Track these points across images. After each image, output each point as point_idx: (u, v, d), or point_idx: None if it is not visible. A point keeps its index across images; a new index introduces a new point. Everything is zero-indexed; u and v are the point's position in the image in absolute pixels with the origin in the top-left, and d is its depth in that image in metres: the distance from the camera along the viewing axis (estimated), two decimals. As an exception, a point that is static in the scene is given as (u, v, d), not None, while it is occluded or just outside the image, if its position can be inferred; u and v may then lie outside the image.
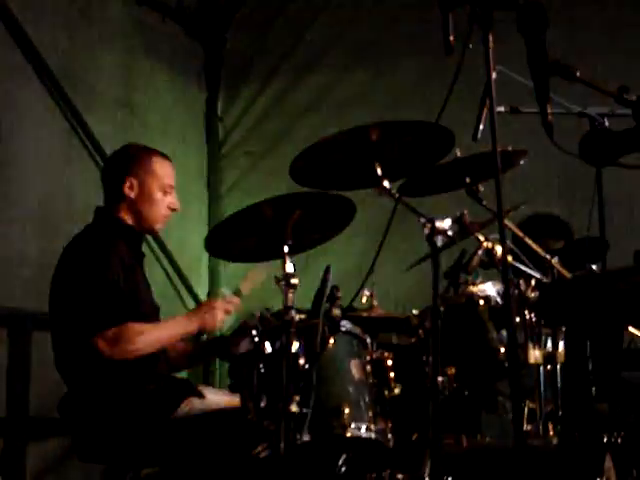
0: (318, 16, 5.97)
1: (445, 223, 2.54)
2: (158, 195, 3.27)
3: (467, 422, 2.88)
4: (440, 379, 2.74)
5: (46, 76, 4.69)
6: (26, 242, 4.49)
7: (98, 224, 3.28)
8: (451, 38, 2.17)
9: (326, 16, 5.95)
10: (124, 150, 3.37)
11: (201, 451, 2.92)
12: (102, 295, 3.00)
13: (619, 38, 5.24)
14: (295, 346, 2.64)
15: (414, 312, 3.01)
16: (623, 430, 2.81)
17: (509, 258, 2.75)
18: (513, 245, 3.02)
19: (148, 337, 3.04)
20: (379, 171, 2.72)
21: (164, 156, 3.36)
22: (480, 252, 3.00)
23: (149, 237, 4.49)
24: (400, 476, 2.77)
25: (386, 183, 2.71)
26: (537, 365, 2.83)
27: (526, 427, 2.81)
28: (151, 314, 3.30)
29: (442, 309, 2.78)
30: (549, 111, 2.13)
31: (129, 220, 3.27)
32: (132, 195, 3.25)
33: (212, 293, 3.48)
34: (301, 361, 2.65)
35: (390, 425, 2.76)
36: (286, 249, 2.78)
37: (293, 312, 2.68)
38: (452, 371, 2.83)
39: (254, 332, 2.73)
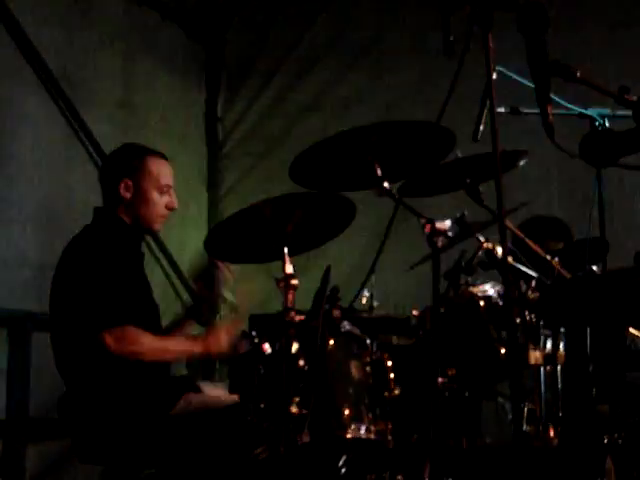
0: (318, 16, 5.97)
1: (445, 224, 2.54)
2: (154, 195, 3.27)
3: (467, 423, 2.88)
4: (440, 380, 2.74)
5: (46, 76, 4.69)
6: (26, 242, 4.49)
7: (97, 224, 3.28)
8: (451, 39, 2.17)
9: (326, 17, 5.95)
10: (120, 151, 3.37)
11: (201, 452, 2.92)
12: (106, 293, 3.00)
13: (619, 38, 5.24)
14: (295, 347, 2.64)
15: (414, 313, 3.01)
16: (624, 431, 2.81)
17: (509, 259, 2.75)
18: (513, 246, 3.02)
19: (153, 344, 3.05)
20: (379, 172, 2.72)
21: (160, 155, 3.35)
22: (480, 253, 3.00)
23: (149, 237, 4.50)
24: (400, 477, 2.77)
25: (386, 184, 2.71)
26: (537, 366, 2.82)
27: (526, 428, 2.81)
28: (151, 314, 3.31)
29: (442, 310, 2.78)
30: (549, 112, 2.13)
31: (128, 220, 3.27)
32: (128, 196, 3.25)
33: (214, 296, 3.46)
34: (301, 362, 2.65)
35: (390, 426, 2.75)
36: (286, 250, 2.78)
37: (293, 313, 2.68)
38: (452, 372, 2.83)
39: (254, 333, 2.73)
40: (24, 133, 4.54)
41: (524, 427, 2.80)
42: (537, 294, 2.84)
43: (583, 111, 3.20)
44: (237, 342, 3.09)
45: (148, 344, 3.03)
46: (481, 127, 2.59)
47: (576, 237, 4.12)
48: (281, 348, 2.65)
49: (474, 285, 2.98)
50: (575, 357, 2.85)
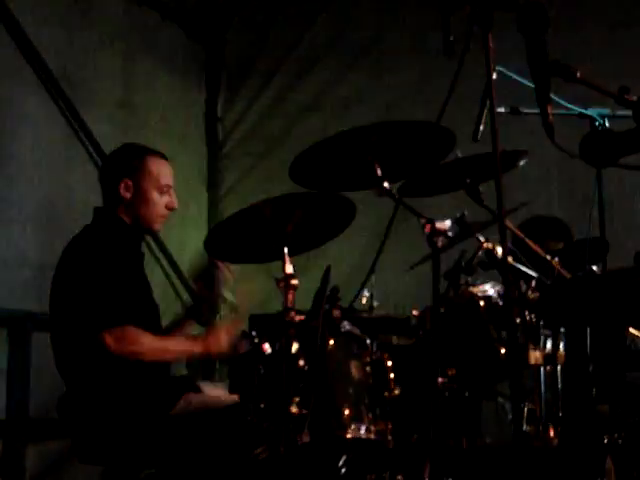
0: (318, 16, 5.97)
1: (445, 224, 2.54)
2: (154, 195, 3.27)
3: (467, 423, 2.88)
4: (440, 380, 2.74)
5: (46, 76, 4.69)
6: (26, 242, 4.49)
7: (97, 224, 3.28)
8: (451, 39, 2.17)
9: (326, 17, 5.95)
10: (119, 151, 3.37)
11: (201, 452, 2.91)
12: (106, 293, 3.00)
13: (619, 38, 5.24)
14: (295, 347, 2.64)
15: (414, 313, 3.01)
16: (624, 431, 2.81)
17: (509, 259, 2.75)
18: (513, 246, 3.01)
19: (152, 344, 3.05)
20: (379, 172, 2.71)
21: (160, 155, 3.35)
22: (480, 253, 3.00)
23: (149, 237, 4.50)
24: (400, 477, 2.77)
25: (386, 184, 2.71)
26: (537, 366, 2.82)
27: (526, 428, 2.80)
28: (151, 314, 3.30)
29: (442, 310, 2.78)
30: (549, 112, 2.13)
31: (128, 220, 3.27)
32: (128, 196, 3.25)
33: (214, 296, 3.46)
34: (301, 362, 2.65)
35: (390, 426, 2.75)
36: (286, 250, 2.78)
37: (293, 313, 2.68)
38: (452, 372, 2.83)
39: (254, 333, 2.73)
40: (24, 133, 4.54)
41: (524, 427, 2.79)
42: (537, 294, 2.84)
43: (583, 111, 3.20)
44: (237, 342, 3.09)
45: (148, 344, 3.03)
46: (481, 127, 2.59)
47: (576, 237, 4.12)
48: (281, 348, 2.65)
49: (474, 285, 2.98)
50: (575, 357, 2.84)
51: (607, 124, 3.19)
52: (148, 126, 5.41)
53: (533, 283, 2.88)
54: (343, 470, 2.79)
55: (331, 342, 2.75)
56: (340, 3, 5.93)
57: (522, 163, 3.16)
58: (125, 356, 2.97)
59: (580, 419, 2.85)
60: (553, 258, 2.97)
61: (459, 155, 2.93)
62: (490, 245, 2.97)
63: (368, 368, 2.81)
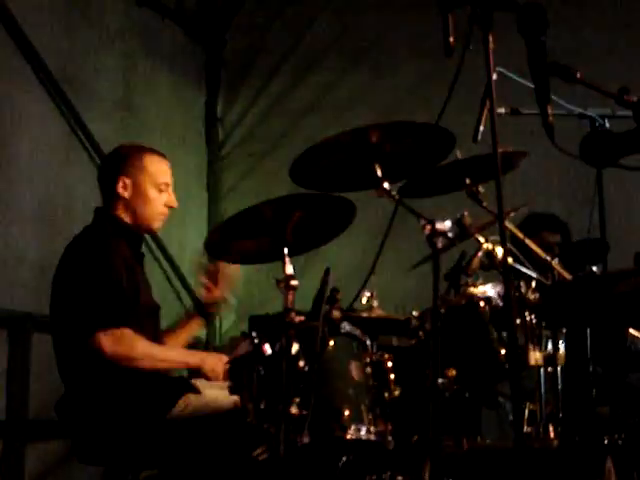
0: (318, 17, 5.97)
1: (445, 224, 2.54)
2: (153, 193, 3.26)
3: (467, 424, 2.87)
4: (440, 381, 2.73)
5: (46, 77, 4.69)
6: (26, 243, 4.49)
7: (98, 224, 3.28)
8: (451, 39, 2.17)
9: (326, 17, 5.96)
10: (117, 150, 3.37)
11: (200, 453, 2.91)
12: (105, 294, 3.00)
13: (619, 38, 5.24)
14: (295, 348, 2.64)
15: (414, 314, 3.00)
16: (624, 432, 2.81)
17: (509, 260, 2.74)
18: (513, 246, 3.01)
19: (148, 350, 3.04)
20: (379, 172, 2.71)
21: (158, 154, 3.34)
22: (480, 254, 2.99)
23: (148, 238, 4.50)
24: (400, 478, 2.76)
25: (386, 184, 2.71)
26: (537, 367, 2.82)
27: (526, 429, 2.80)
28: (151, 314, 3.30)
29: (442, 311, 2.77)
30: (550, 112, 2.13)
31: (127, 220, 3.27)
32: (126, 195, 3.25)
33: (215, 296, 3.47)
34: (301, 363, 2.65)
35: (390, 427, 2.75)
36: (286, 251, 2.78)
37: (293, 314, 2.68)
38: (452, 373, 2.82)
39: (254, 334, 2.73)
40: (24, 133, 4.54)
41: (524, 428, 2.79)
42: (537, 295, 2.83)
43: (583, 112, 3.20)
44: (237, 343, 3.09)
45: (142, 349, 3.01)
46: (481, 128, 2.59)
47: (576, 238, 4.12)
48: (281, 349, 2.64)
49: (474, 286, 2.98)
50: (575, 358, 2.84)
51: (607, 124, 3.19)
52: (148, 126, 5.41)
53: (533, 284, 2.87)
54: (343, 471, 2.79)
55: (331, 343, 2.75)
56: (340, 3, 5.93)
57: (522, 164, 3.15)
58: (117, 359, 2.95)
59: (580, 420, 2.85)
60: (553, 259, 2.97)
61: (458, 156, 2.92)
62: (490, 246, 2.97)
63: (368, 369, 2.81)
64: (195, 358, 3.16)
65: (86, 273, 3.05)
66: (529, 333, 2.81)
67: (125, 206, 3.26)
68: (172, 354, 3.20)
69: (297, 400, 2.59)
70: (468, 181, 3.00)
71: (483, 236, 2.97)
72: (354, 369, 2.77)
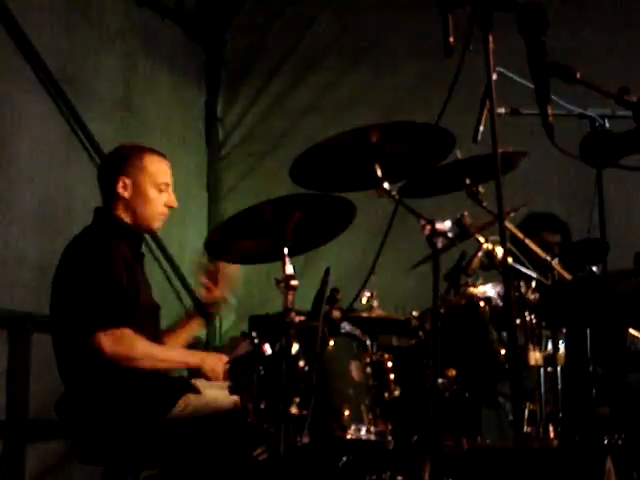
0: (318, 17, 5.97)
1: (445, 225, 2.53)
2: (152, 193, 3.27)
3: (467, 424, 2.88)
4: (440, 381, 2.73)
5: (46, 77, 4.69)
6: (26, 243, 4.49)
7: (98, 224, 3.28)
8: (451, 39, 2.17)
9: (326, 17, 5.96)
10: (116, 150, 3.38)
11: (201, 453, 2.91)
12: (105, 294, 3.00)
13: (619, 38, 5.24)
14: (295, 348, 2.64)
15: (414, 314, 3.00)
16: (624, 432, 2.81)
17: (509, 260, 2.74)
18: (513, 246, 3.01)
19: (148, 350, 3.04)
20: (379, 172, 2.71)
21: (158, 154, 3.34)
22: (480, 254, 2.99)
23: (148, 238, 4.50)
24: (400, 478, 2.76)
25: (386, 185, 2.71)
26: (537, 367, 2.82)
27: (526, 429, 2.80)
28: (151, 314, 3.30)
29: (442, 311, 2.77)
30: (549, 112, 2.13)
31: (127, 220, 3.27)
32: (126, 195, 3.25)
33: (215, 296, 3.47)
34: (301, 363, 2.64)
35: (390, 427, 2.75)
36: (286, 251, 2.78)
37: (293, 314, 2.68)
38: (452, 373, 2.82)
39: (254, 334, 2.73)
40: (24, 133, 4.54)
41: (525, 428, 2.79)
42: (537, 295, 2.83)
43: (583, 112, 3.20)
44: (237, 343, 3.09)
45: (142, 349, 3.02)
46: (481, 128, 2.59)
47: (576, 237, 4.12)
48: (281, 349, 2.64)
49: (474, 286, 2.98)
50: (575, 358, 2.84)
51: (607, 124, 3.19)
52: (148, 126, 5.42)
53: (533, 284, 2.87)
54: (343, 471, 2.79)
55: (331, 343, 2.75)
56: (340, 3, 5.93)
57: (522, 164, 3.15)
58: (117, 359, 2.95)
59: (580, 420, 2.85)
60: (553, 259, 2.97)
61: (458, 156, 2.92)
62: (490, 246, 2.97)
63: (368, 369, 2.81)
64: (195, 358, 3.17)
65: (86, 273, 3.05)
66: (529, 333, 2.81)
67: (125, 206, 3.26)
68: (172, 354, 3.21)
69: (297, 400, 2.59)
70: (468, 181, 2.99)
71: (483, 236, 2.97)
72: (354, 369, 2.77)
